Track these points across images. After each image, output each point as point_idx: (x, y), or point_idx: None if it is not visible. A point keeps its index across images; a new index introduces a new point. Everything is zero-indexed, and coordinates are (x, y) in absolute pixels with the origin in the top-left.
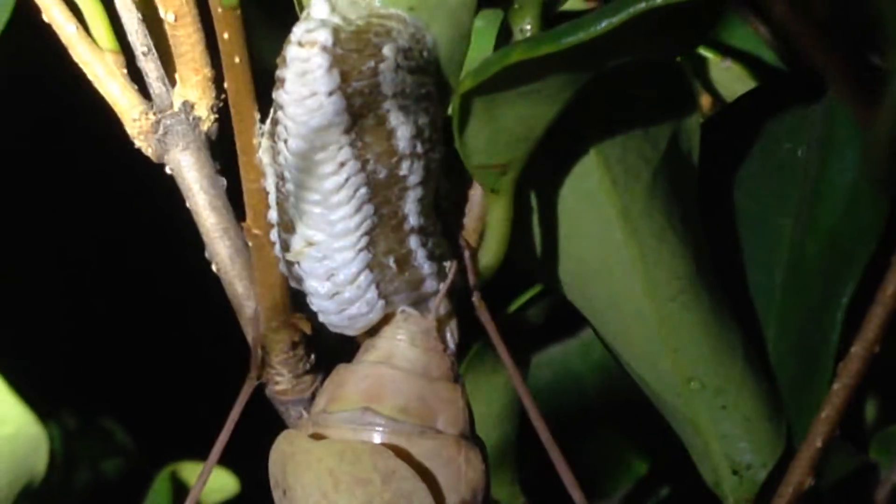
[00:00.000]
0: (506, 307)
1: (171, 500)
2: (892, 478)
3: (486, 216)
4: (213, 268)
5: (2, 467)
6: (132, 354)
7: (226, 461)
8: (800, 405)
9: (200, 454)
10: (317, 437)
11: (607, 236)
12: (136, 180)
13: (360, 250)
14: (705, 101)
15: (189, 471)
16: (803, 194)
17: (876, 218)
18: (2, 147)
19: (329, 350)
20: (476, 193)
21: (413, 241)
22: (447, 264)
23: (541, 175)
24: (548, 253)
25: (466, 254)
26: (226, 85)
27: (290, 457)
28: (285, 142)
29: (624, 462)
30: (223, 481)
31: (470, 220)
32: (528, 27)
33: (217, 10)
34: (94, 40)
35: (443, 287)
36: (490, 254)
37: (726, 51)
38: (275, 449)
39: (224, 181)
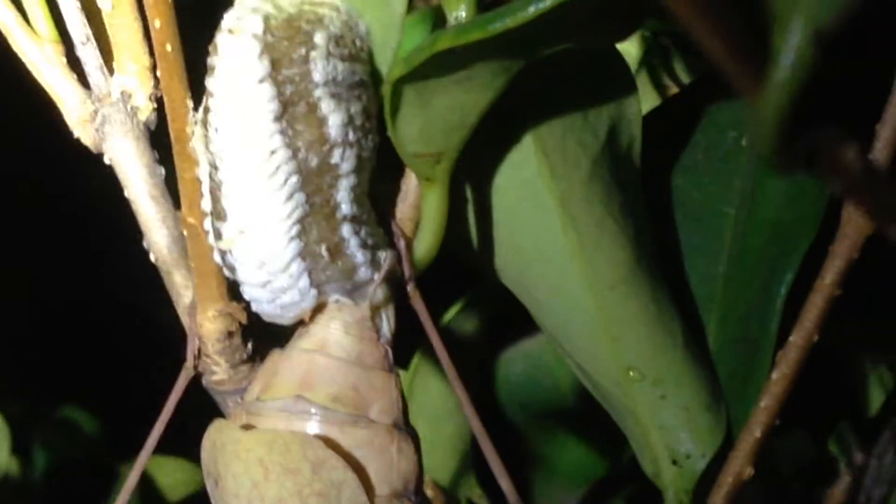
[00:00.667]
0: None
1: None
2: (848, 471)
3: (421, 205)
4: (152, 257)
5: None
6: (89, 345)
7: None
8: (740, 395)
9: (167, 447)
10: (249, 426)
11: (545, 225)
12: (79, 170)
13: (292, 239)
14: (672, 90)
15: (156, 465)
16: (746, 183)
17: (816, 208)
18: None
19: (267, 338)
20: (411, 182)
21: (346, 230)
22: (382, 254)
23: (478, 163)
24: (485, 242)
25: (401, 243)
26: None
27: (220, 447)
28: (216, 130)
29: (590, 457)
30: (188, 475)
31: (405, 209)
32: (463, 14)
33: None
34: (33, 29)
35: (377, 276)
36: (425, 243)
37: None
38: (206, 438)
39: (162, 170)
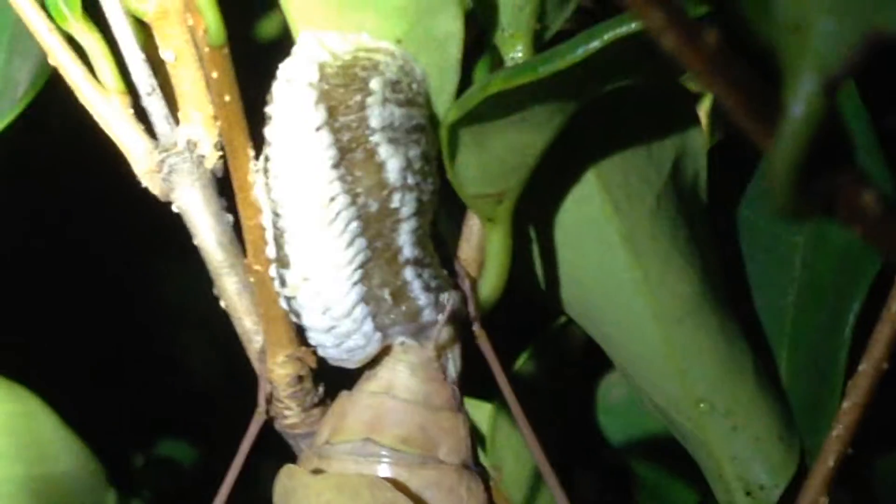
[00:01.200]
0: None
1: None
2: None
3: (484, 246)
4: (222, 304)
5: None
6: (153, 394)
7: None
8: (812, 425)
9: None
10: (319, 470)
11: (610, 260)
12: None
13: (355, 284)
14: None
15: None
16: None
17: None
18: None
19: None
20: (474, 223)
21: (408, 273)
22: (446, 296)
23: (541, 201)
24: (551, 279)
25: (466, 284)
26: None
27: (291, 491)
28: (276, 177)
29: (691, 484)
30: None
31: (469, 251)
32: (520, 55)
33: (204, 50)
34: (100, 81)
35: (441, 317)
36: (490, 283)
37: None
38: (276, 483)
39: (230, 217)
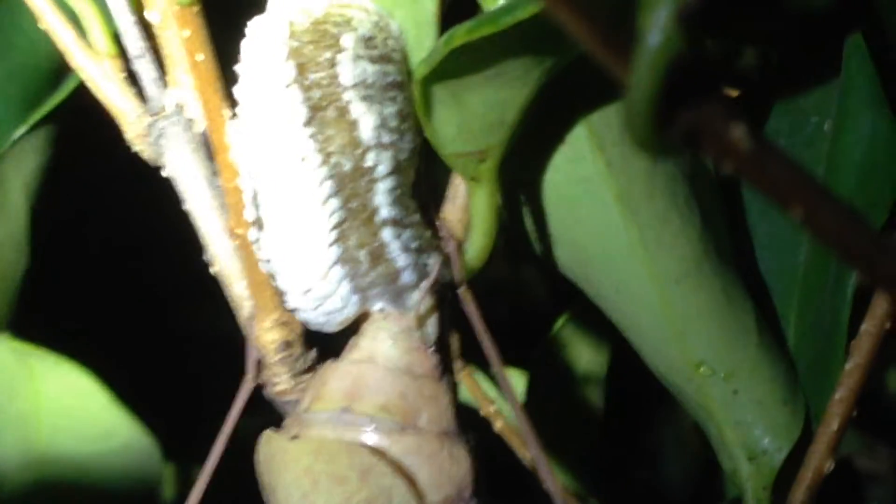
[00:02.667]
0: None
1: None
2: None
3: (469, 206)
4: (212, 270)
5: (114, 482)
6: (144, 359)
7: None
8: (817, 387)
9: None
10: (298, 437)
11: (605, 221)
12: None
13: (330, 245)
14: None
15: None
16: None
17: (887, 191)
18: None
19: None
20: (458, 183)
21: (387, 234)
22: (427, 257)
23: (532, 162)
24: (545, 241)
25: (450, 245)
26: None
27: (270, 458)
28: (247, 137)
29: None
30: None
31: (453, 211)
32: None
33: (174, 8)
34: (91, 45)
35: (424, 284)
36: (476, 245)
37: None
38: (257, 450)
39: (221, 182)
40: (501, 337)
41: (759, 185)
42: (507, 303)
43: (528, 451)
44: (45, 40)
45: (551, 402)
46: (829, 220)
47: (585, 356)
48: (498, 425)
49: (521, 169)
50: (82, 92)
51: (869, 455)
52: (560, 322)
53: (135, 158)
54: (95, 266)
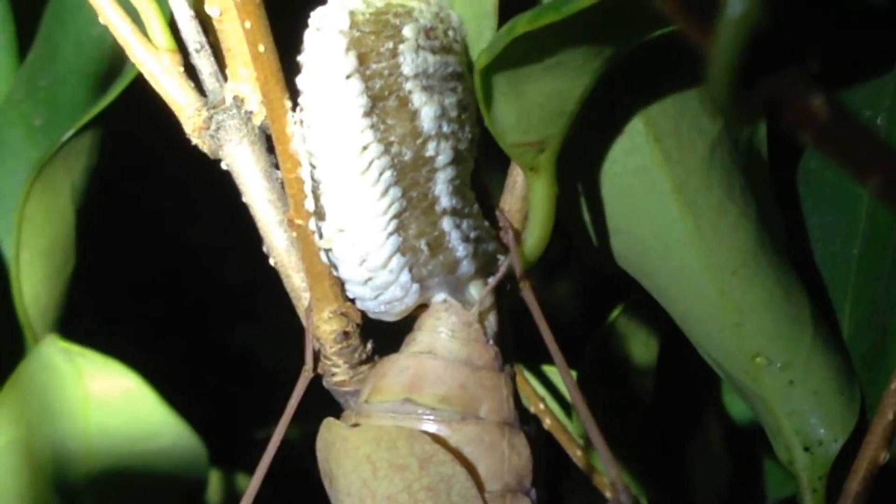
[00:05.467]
0: None
1: None
2: None
3: (528, 196)
4: (271, 261)
5: (161, 482)
6: (195, 350)
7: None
8: (873, 378)
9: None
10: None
11: (662, 211)
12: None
13: (390, 234)
14: None
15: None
16: None
17: None
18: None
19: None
20: (517, 173)
21: (446, 223)
22: (489, 247)
23: (589, 152)
24: (602, 232)
25: (509, 235)
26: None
27: (330, 445)
28: (309, 128)
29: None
30: None
31: (512, 201)
32: None
33: (236, 0)
34: (150, 40)
35: (492, 280)
36: (534, 235)
37: None
38: (318, 438)
39: (279, 174)
40: (538, 340)
41: (837, 154)
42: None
43: (577, 449)
44: (92, 46)
45: (600, 401)
46: None
47: (634, 355)
48: (547, 423)
49: (578, 160)
50: (130, 94)
51: None
52: (613, 317)
53: (184, 159)
54: (143, 267)
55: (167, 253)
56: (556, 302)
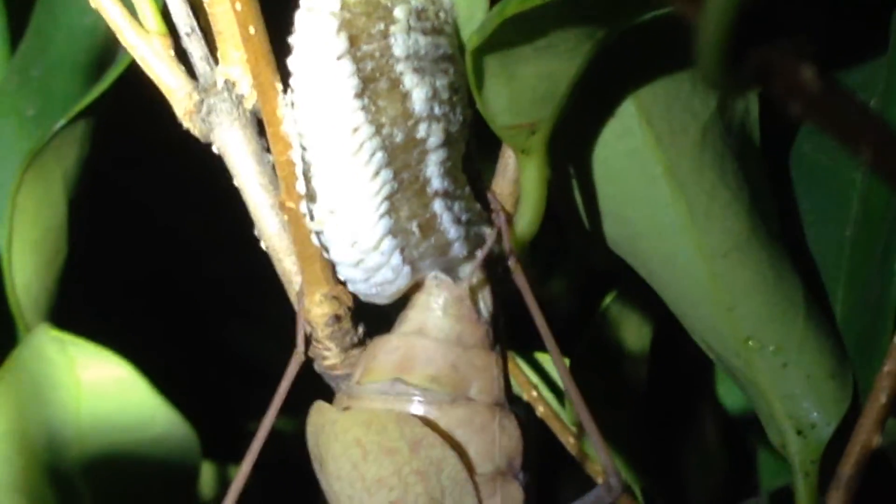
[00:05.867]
0: None
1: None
2: None
3: (519, 179)
4: (262, 245)
5: (153, 470)
6: (187, 341)
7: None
8: (866, 361)
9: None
10: (349, 409)
11: (653, 195)
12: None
13: (382, 216)
14: None
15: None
16: None
17: None
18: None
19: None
20: (508, 156)
21: (437, 206)
22: (477, 229)
23: (580, 135)
24: (594, 215)
25: (500, 218)
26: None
27: (320, 429)
28: (300, 109)
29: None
30: None
31: (504, 184)
32: None
33: None
34: (140, 23)
35: (479, 254)
36: (526, 218)
37: None
38: (308, 422)
39: (271, 157)
40: (531, 328)
41: (828, 125)
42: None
43: (570, 436)
44: (84, 35)
45: (593, 389)
46: None
47: (627, 341)
48: (540, 410)
49: (569, 143)
50: (122, 84)
51: None
52: (605, 304)
53: (176, 150)
54: (136, 258)
55: (159, 244)
56: (550, 289)
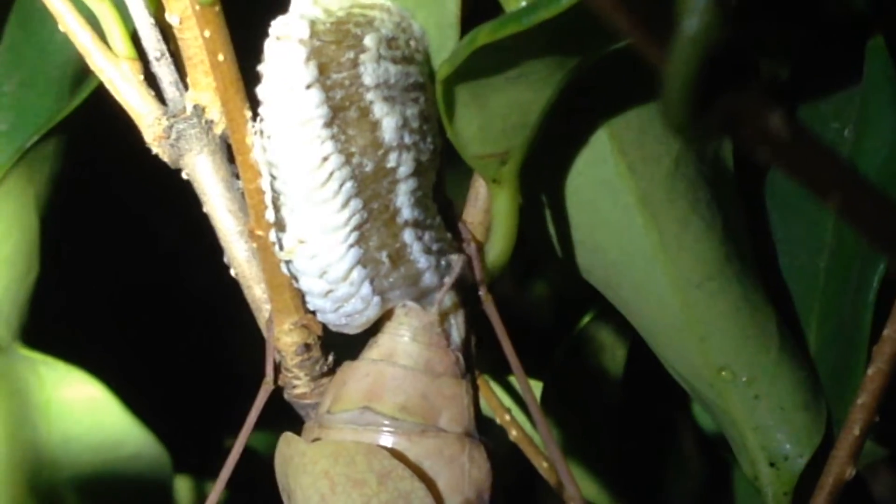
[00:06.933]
0: None
1: None
2: None
3: (491, 208)
4: (232, 272)
5: (126, 491)
6: (157, 360)
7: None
8: (839, 392)
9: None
10: (319, 440)
11: (626, 224)
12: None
13: (351, 246)
14: None
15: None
16: None
17: None
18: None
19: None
20: (480, 185)
21: (407, 235)
22: (449, 259)
23: (553, 164)
24: (566, 244)
25: (471, 247)
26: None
27: (288, 460)
28: (269, 138)
29: None
30: None
31: (475, 213)
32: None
33: (195, 8)
34: (110, 47)
35: (447, 281)
36: (497, 247)
37: None
38: (277, 452)
39: (241, 184)
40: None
41: (796, 172)
42: (514, 319)
43: (543, 460)
44: (58, 51)
45: (566, 411)
46: (866, 208)
47: (601, 364)
48: (513, 434)
49: (542, 172)
50: (96, 100)
51: (873, 477)
52: (582, 324)
53: (149, 165)
54: (111, 275)
55: (135, 261)
56: (531, 307)
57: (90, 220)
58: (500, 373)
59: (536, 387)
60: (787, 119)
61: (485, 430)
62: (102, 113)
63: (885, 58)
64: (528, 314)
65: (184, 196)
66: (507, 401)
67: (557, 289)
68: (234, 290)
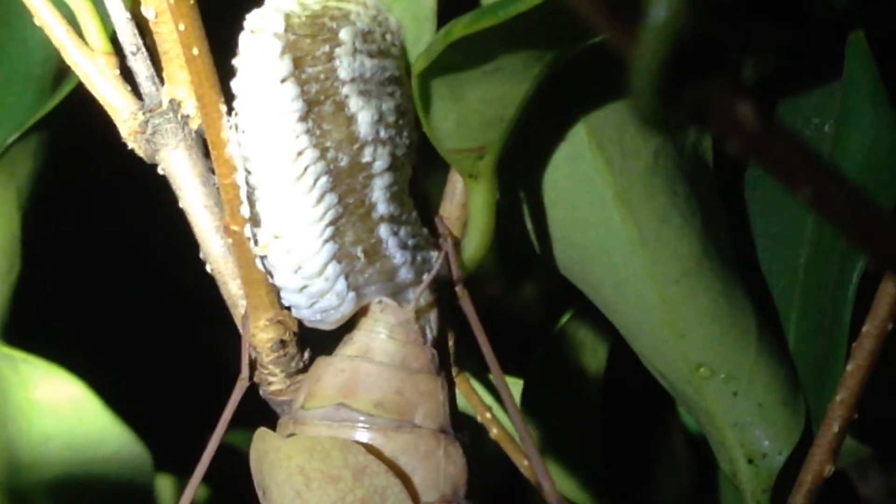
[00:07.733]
0: None
1: None
2: None
3: (467, 204)
4: (208, 268)
5: (108, 489)
6: (137, 358)
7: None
8: (818, 389)
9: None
10: (294, 435)
11: (604, 219)
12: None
13: (326, 241)
14: None
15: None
16: None
17: (889, 193)
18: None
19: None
20: (456, 180)
21: (383, 231)
22: (424, 254)
23: (530, 159)
24: (544, 240)
25: (448, 243)
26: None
27: (263, 455)
28: (244, 132)
29: None
30: None
31: (451, 209)
32: None
33: (170, 2)
34: (86, 42)
35: (426, 278)
36: (474, 243)
37: None
38: (252, 448)
39: (217, 180)
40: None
41: (766, 163)
42: (498, 316)
43: (524, 459)
44: (39, 47)
45: (547, 410)
46: (838, 200)
47: (582, 362)
48: (494, 432)
49: (519, 167)
50: (77, 96)
51: (862, 479)
52: (561, 323)
53: (129, 160)
54: (92, 273)
55: (115, 258)
56: (518, 305)
57: (71, 217)
58: (482, 370)
59: (519, 385)
60: (756, 109)
61: (468, 428)
62: (84, 109)
63: (865, 53)
64: (519, 313)
65: (162, 191)
66: (489, 399)
67: (548, 285)
68: (212, 286)
